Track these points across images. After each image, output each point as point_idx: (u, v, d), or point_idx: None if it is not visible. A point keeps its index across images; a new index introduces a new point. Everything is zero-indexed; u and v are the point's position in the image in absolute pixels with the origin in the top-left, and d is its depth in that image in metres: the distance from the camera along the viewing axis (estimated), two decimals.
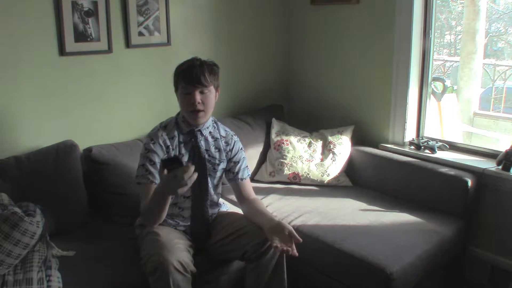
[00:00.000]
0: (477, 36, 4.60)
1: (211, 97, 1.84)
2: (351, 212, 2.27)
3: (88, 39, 2.27)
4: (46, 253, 1.74)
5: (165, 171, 1.57)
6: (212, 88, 1.84)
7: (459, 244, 2.25)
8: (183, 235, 1.87)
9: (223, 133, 1.99)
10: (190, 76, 1.78)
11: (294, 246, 1.67)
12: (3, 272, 1.59)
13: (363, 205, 2.36)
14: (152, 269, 1.61)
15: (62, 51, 2.20)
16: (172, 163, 1.58)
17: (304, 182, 2.64)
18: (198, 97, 1.80)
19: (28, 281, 1.58)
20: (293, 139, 2.71)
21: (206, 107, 1.83)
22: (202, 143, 1.91)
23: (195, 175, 1.58)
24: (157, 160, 1.81)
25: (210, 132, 1.95)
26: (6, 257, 1.60)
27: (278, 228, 1.72)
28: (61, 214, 2.02)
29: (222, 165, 1.97)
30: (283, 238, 1.69)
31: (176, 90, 1.87)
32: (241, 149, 2.03)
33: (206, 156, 1.91)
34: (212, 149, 1.94)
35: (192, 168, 1.57)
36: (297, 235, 1.70)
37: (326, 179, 2.62)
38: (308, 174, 2.62)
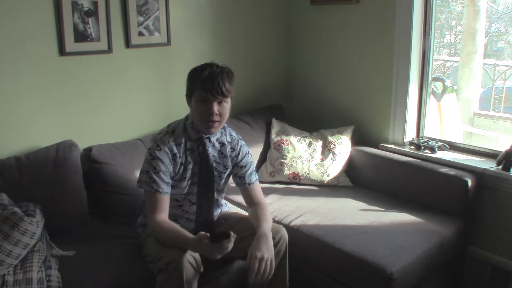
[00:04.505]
0: (477, 36, 4.60)
1: (227, 108, 1.76)
2: (351, 212, 2.27)
3: (88, 39, 2.27)
4: (46, 253, 1.74)
5: (209, 237, 1.57)
6: (229, 99, 1.76)
7: (459, 244, 2.25)
8: None
9: (229, 139, 1.92)
10: (211, 86, 1.68)
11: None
12: (3, 272, 1.59)
13: (363, 205, 2.36)
14: (165, 264, 1.59)
15: (62, 51, 2.20)
16: (219, 236, 1.58)
17: (304, 182, 2.64)
18: (216, 108, 1.71)
19: (28, 281, 1.58)
20: (293, 139, 2.71)
21: (222, 118, 1.76)
22: (210, 150, 1.86)
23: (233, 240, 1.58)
24: (162, 168, 1.75)
25: (217, 139, 1.89)
26: (6, 257, 1.60)
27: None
28: (61, 214, 2.02)
29: (228, 171, 1.94)
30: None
31: (190, 95, 1.77)
32: (248, 153, 1.96)
33: (213, 163, 1.87)
34: (219, 155, 1.90)
35: (235, 236, 1.57)
36: (253, 265, 1.64)
37: (326, 179, 2.62)
38: (308, 174, 2.62)
